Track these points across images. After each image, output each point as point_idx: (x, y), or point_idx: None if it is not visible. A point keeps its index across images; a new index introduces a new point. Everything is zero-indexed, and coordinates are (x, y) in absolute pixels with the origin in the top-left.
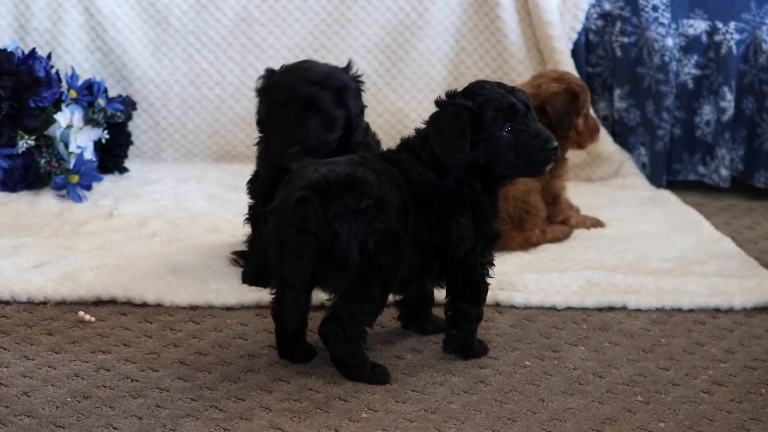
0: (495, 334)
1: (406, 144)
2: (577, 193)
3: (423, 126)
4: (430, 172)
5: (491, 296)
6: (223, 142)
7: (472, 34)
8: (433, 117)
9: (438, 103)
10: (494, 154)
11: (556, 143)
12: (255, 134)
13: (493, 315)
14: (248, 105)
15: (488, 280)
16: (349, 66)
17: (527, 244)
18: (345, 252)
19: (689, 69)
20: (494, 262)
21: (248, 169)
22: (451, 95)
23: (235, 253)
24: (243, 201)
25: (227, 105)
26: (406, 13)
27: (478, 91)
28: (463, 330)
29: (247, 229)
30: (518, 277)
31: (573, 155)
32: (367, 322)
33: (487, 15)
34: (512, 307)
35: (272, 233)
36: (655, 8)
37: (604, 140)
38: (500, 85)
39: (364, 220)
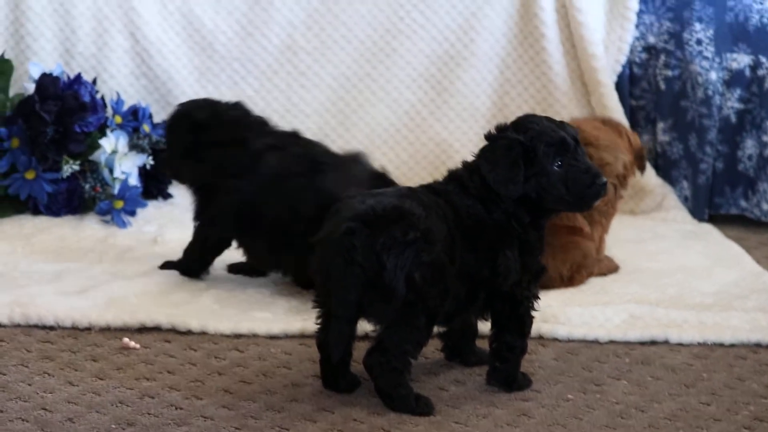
0: (538, 367)
1: (453, 176)
2: (620, 227)
3: (471, 158)
4: (478, 204)
5: (534, 329)
6: None
7: (516, 65)
8: (485, 150)
9: (488, 136)
10: (545, 187)
11: (605, 179)
12: None
13: (536, 348)
14: None
15: (533, 313)
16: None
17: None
18: (391, 283)
19: (732, 103)
20: (539, 296)
21: None
22: (501, 129)
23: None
24: None
25: None
26: (451, 44)
27: (528, 125)
28: (508, 362)
29: None
30: (561, 310)
31: None
32: (412, 353)
33: (532, 47)
34: (555, 340)
35: (318, 263)
36: (699, 42)
37: (647, 173)
38: (549, 119)
39: (411, 252)
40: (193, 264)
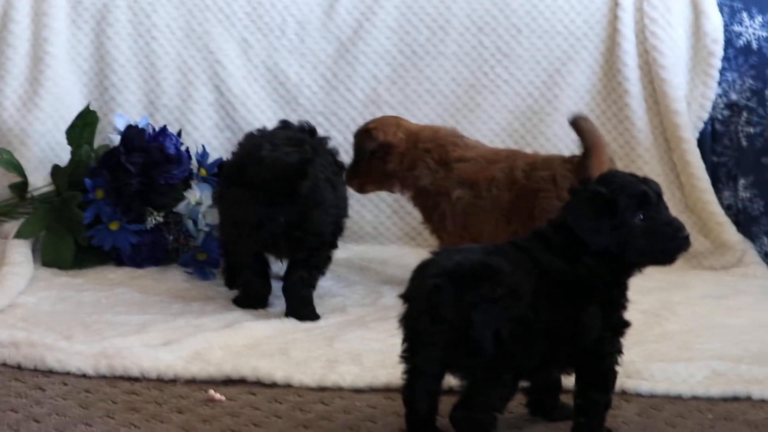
0: (621, 422)
1: (537, 233)
2: (701, 282)
3: (556, 215)
4: (561, 260)
5: (618, 384)
6: (350, 222)
7: (599, 121)
8: (569, 203)
9: (572, 190)
10: (627, 240)
11: (687, 232)
12: (382, 216)
13: (619, 403)
14: None
15: (617, 368)
16: None
17: None
18: (479, 340)
19: None
20: (622, 351)
21: (374, 250)
22: (584, 182)
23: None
24: (369, 282)
25: None
26: (534, 99)
27: (610, 178)
28: (592, 418)
29: None
30: (644, 366)
31: (697, 244)
32: (498, 408)
33: (615, 103)
34: (638, 395)
35: (405, 319)
36: None
37: (728, 229)
38: (631, 174)
39: (499, 309)
40: None
